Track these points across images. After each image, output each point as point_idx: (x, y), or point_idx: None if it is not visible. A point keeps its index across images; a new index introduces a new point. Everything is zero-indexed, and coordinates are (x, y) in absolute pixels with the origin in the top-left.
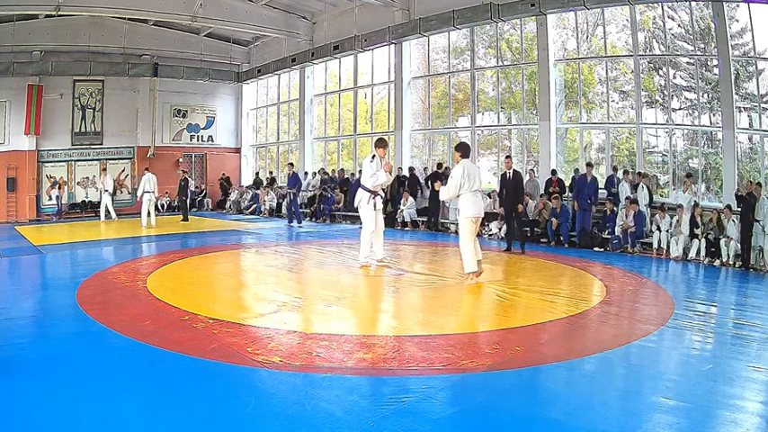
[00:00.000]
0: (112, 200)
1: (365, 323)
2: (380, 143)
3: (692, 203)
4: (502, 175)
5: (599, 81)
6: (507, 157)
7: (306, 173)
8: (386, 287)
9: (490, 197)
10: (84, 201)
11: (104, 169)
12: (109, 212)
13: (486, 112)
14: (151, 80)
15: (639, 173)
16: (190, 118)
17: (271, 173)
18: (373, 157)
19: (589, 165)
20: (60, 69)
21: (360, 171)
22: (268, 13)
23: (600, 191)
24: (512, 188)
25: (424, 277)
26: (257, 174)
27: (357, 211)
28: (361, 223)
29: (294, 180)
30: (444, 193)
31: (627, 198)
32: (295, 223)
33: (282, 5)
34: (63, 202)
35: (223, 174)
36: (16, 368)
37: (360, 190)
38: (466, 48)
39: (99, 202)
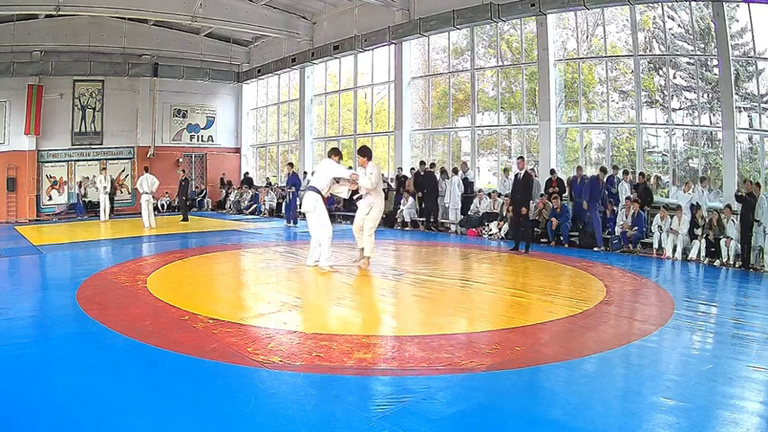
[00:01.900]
0: (112, 200)
1: (365, 323)
2: (335, 153)
3: (693, 204)
4: (515, 175)
5: (599, 81)
6: (520, 157)
7: (305, 173)
8: (386, 287)
9: (490, 197)
10: (84, 201)
11: (104, 168)
12: (105, 212)
13: (486, 112)
14: (151, 80)
15: (703, 177)
16: (190, 118)
17: (246, 173)
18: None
19: (603, 170)
20: (60, 69)
21: (313, 173)
22: (268, 13)
23: None
24: (520, 189)
25: (423, 277)
26: (245, 174)
27: (355, 211)
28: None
29: (293, 180)
30: (367, 182)
31: (627, 198)
32: (291, 223)
33: (282, 5)
34: (84, 199)
35: (224, 175)
36: (16, 368)
37: (313, 192)
38: (466, 48)
39: (99, 202)
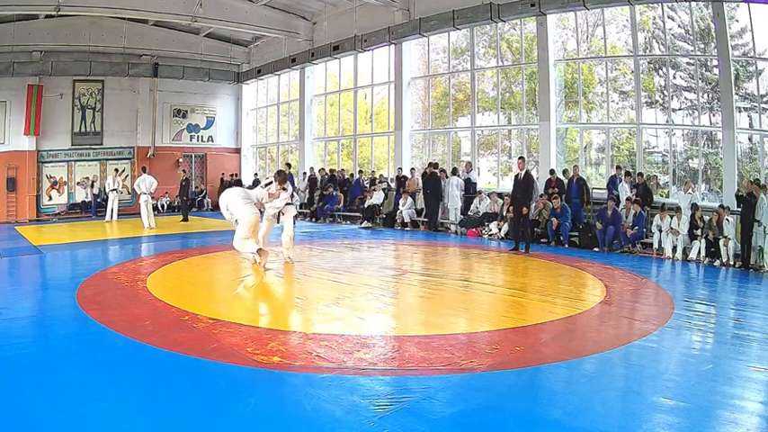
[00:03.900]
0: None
1: (365, 323)
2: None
3: (692, 204)
4: (515, 176)
5: (599, 81)
6: (520, 158)
7: (304, 173)
8: (386, 287)
9: (490, 197)
10: (84, 201)
11: (116, 169)
12: (113, 213)
13: (486, 112)
14: (151, 80)
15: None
16: (190, 118)
17: (232, 175)
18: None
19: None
20: (60, 69)
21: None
22: (268, 13)
23: (601, 191)
24: (520, 189)
25: (423, 277)
26: (232, 175)
27: (356, 212)
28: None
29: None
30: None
31: (627, 199)
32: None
33: (282, 5)
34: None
35: (223, 174)
36: (16, 368)
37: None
38: (466, 48)
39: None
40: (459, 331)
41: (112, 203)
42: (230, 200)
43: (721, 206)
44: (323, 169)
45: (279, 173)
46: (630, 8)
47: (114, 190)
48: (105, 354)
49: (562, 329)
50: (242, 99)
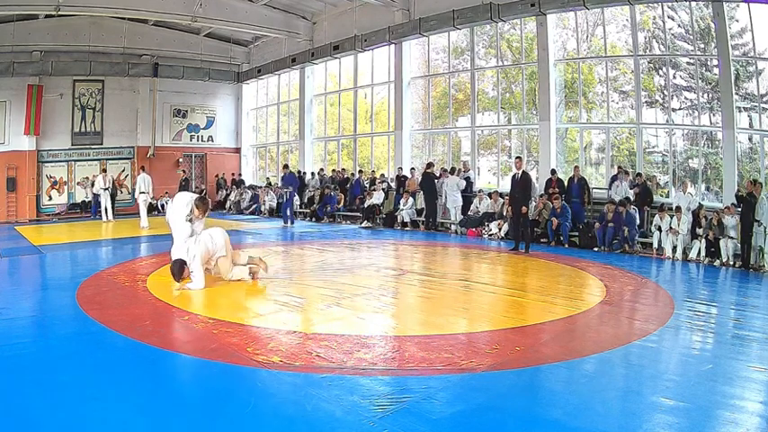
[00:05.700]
0: (113, 200)
1: (365, 323)
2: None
3: (695, 205)
4: (513, 176)
5: (599, 81)
6: (518, 157)
7: (304, 173)
8: (386, 287)
9: (491, 197)
10: (84, 201)
11: (104, 170)
12: (107, 212)
13: (486, 112)
14: (151, 80)
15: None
16: (190, 118)
17: (218, 176)
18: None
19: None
20: (60, 69)
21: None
22: (268, 13)
23: (601, 190)
24: (519, 189)
25: (423, 277)
26: (220, 175)
27: (356, 212)
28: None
29: (290, 180)
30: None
31: (626, 198)
32: (289, 223)
33: (282, 5)
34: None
35: (222, 174)
36: (16, 368)
37: None
38: (466, 48)
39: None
40: (459, 331)
41: (105, 203)
42: (203, 238)
43: (733, 203)
44: (321, 170)
45: (201, 200)
46: (630, 8)
47: (105, 189)
48: (105, 354)
49: (562, 329)
50: (242, 99)
